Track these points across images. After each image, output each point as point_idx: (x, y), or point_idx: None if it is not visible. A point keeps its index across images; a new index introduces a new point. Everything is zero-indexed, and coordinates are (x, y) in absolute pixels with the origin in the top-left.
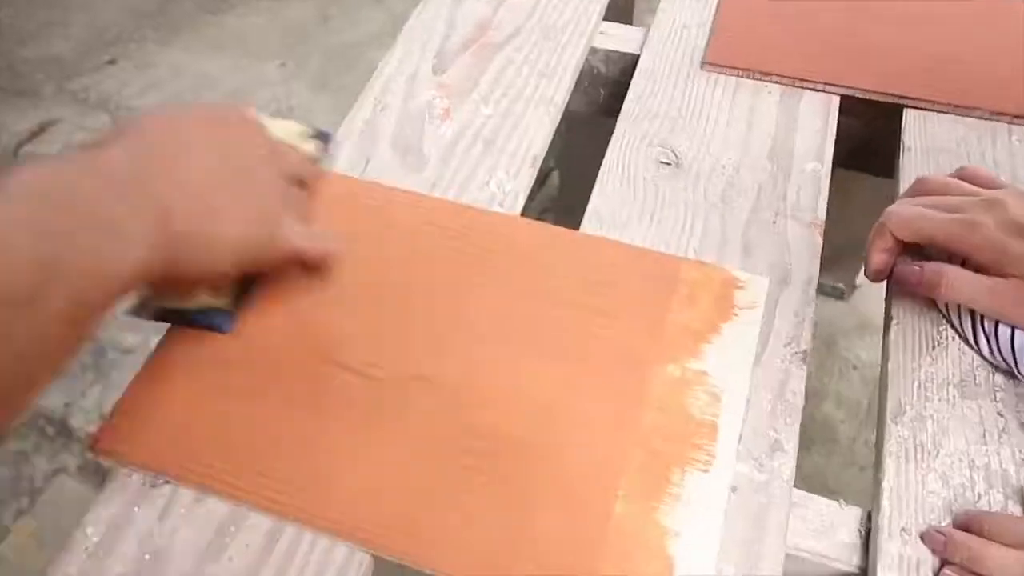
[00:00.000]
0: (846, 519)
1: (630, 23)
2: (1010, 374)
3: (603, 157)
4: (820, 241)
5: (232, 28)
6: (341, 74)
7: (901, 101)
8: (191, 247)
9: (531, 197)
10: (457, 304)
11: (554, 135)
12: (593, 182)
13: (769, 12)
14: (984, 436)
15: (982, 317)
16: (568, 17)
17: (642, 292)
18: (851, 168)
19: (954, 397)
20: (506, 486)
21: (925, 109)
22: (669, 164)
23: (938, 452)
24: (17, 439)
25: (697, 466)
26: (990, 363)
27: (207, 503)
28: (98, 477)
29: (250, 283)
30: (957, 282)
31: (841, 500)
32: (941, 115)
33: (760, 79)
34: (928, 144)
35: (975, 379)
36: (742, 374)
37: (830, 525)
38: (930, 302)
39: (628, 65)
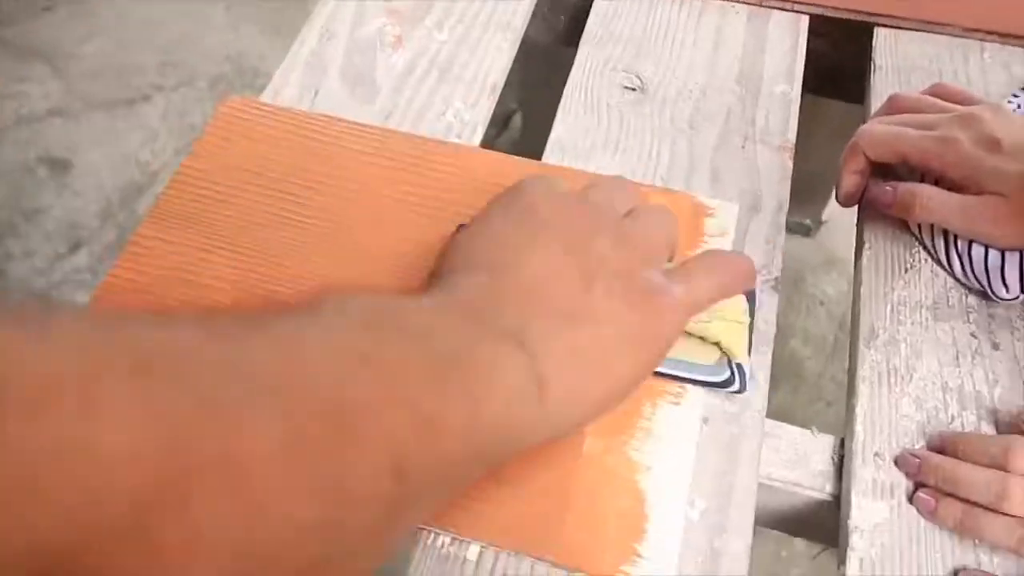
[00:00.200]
0: (819, 447)
1: None
2: (983, 294)
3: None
4: (790, 165)
5: None
6: (295, 18)
7: (871, 19)
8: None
9: (493, 140)
10: (416, 240)
11: (516, 71)
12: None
13: None
14: (957, 358)
15: (955, 237)
16: None
17: None
18: (820, 94)
19: (927, 320)
20: None
21: (896, 27)
22: (634, 89)
23: (911, 376)
24: None
25: (667, 399)
26: (963, 284)
27: None
28: None
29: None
30: (931, 202)
31: (814, 428)
32: (912, 33)
33: None
34: (899, 63)
35: (948, 301)
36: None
37: (803, 454)
38: (902, 225)
39: None
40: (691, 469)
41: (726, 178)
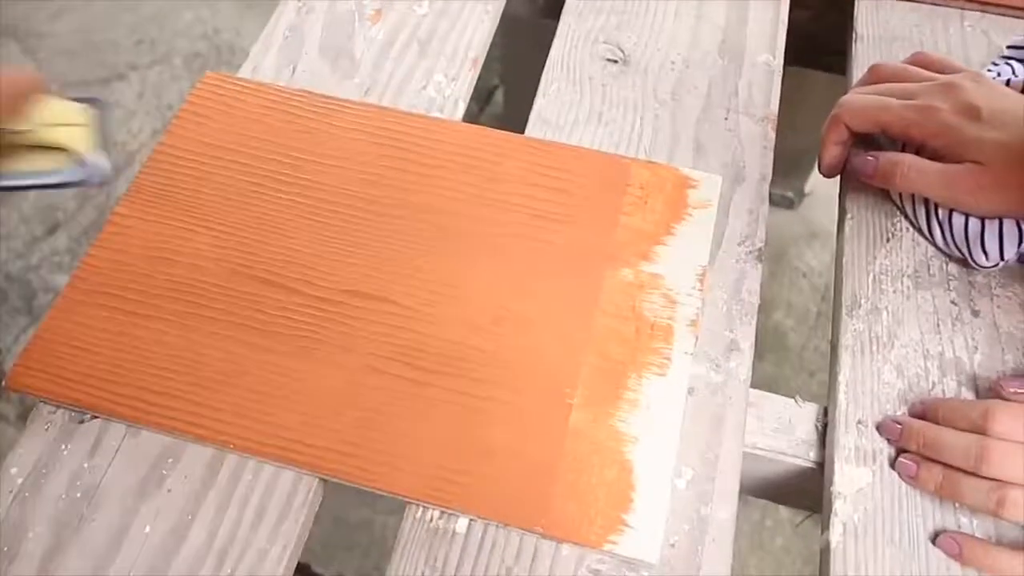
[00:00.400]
0: (804, 416)
1: None
2: (963, 262)
3: None
4: (773, 136)
5: None
6: None
7: None
8: None
9: (476, 115)
10: (398, 215)
11: (499, 46)
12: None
13: None
14: (938, 325)
15: (936, 206)
16: None
17: (592, 195)
18: (802, 65)
19: (908, 288)
20: (457, 401)
21: None
22: (616, 62)
23: (893, 343)
24: None
25: (653, 370)
26: (944, 252)
27: (141, 436)
28: None
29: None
30: (912, 171)
31: (797, 397)
32: (893, 2)
33: None
34: (880, 32)
35: (929, 269)
36: (696, 276)
37: (788, 423)
38: (884, 195)
39: None
40: (677, 439)
41: (709, 149)
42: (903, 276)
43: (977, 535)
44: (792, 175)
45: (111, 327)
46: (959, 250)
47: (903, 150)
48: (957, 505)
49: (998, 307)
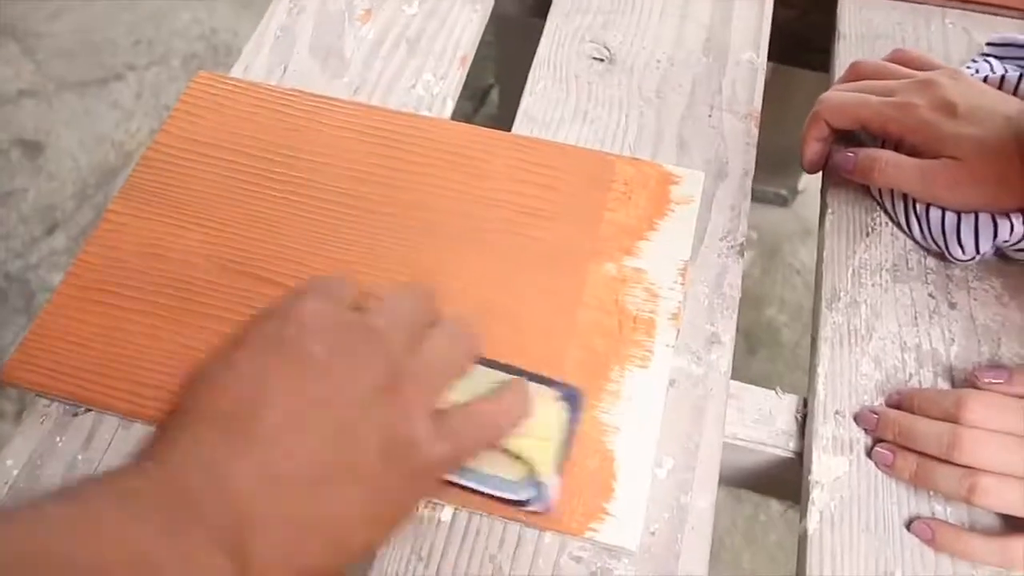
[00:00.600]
0: (783, 407)
1: None
2: (941, 256)
3: None
4: (756, 132)
5: None
6: None
7: None
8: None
9: (471, 115)
10: (386, 212)
11: (493, 46)
12: None
13: None
14: (915, 318)
15: (914, 201)
16: None
17: (578, 192)
18: (789, 64)
19: (887, 281)
20: None
21: None
22: (602, 60)
23: (871, 336)
24: None
25: (635, 362)
26: (922, 246)
27: (133, 428)
28: None
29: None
30: (890, 166)
31: (778, 388)
32: (876, 0)
33: None
34: (863, 30)
35: (907, 263)
36: (678, 270)
37: (768, 414)
38: (864, 190)
39: None
40: (658, 430)
41: (693, 146)
42: (882, 269)
43: (951, 521)
44: (786, 173)
45: (105, 322)
46: (936, 244)
47: (883, 146)
48: (932, 493)
49: (975, 300)
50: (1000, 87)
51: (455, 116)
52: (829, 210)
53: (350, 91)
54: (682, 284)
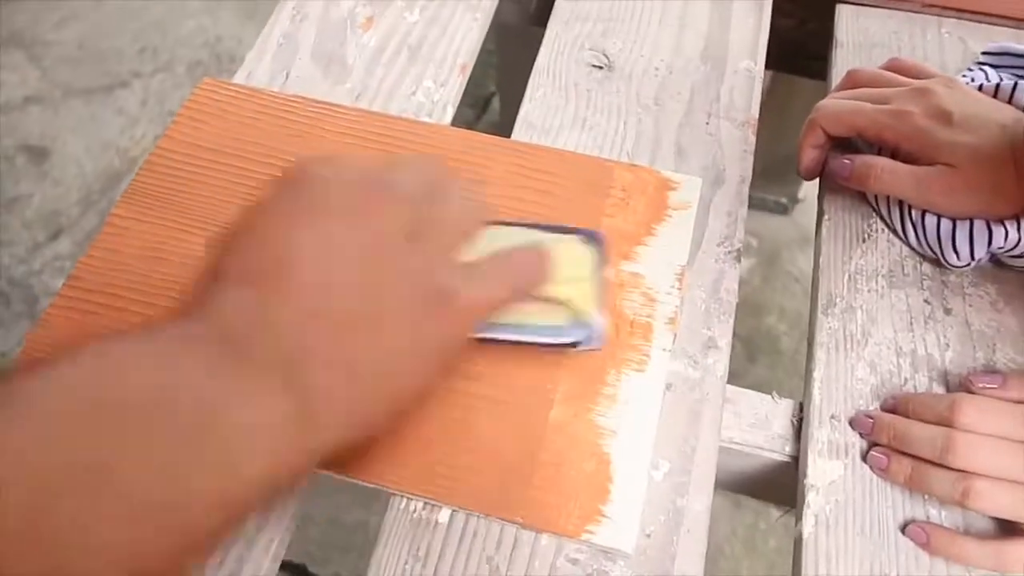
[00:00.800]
0: (779, 411)
1: None
2: (936, 262)
3: None
4: (753, 140)
5: None
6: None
7: None
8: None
9: (473, 122)
10: None
11: (494, 54)
12: None
13: None
14: (911, 323)
15: (909, 207)
16: None
17: (576, 197)
18: (788, 72)
19: (883, 287)
20: (443, 396)
21: (858, 4)
22: (601, 68)
23: (867, 341)
24: None
25: (632, 366)
26: (917, 252)
27: None
28: None
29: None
30: (886, 173)
31: (774, 392)
32: (873, 9)
33: None
34: (860, 39)
35: (903, 269)
36: (676, 275)
37: (764, 418)
38: (861, 197)
39: None
40: (654, 433)
41: (690, 153)
42: (878, 275)
43: (946, 525)
44: (785, 181)
45: (107, 324)
46: (932, 250)
47: (879, 153)
48: (926, 497)
49: (970, 306)
50: (995, 95)
51: (457, 123)
52: (826, 216)
53: (352, 97)
54: (679, 289)
